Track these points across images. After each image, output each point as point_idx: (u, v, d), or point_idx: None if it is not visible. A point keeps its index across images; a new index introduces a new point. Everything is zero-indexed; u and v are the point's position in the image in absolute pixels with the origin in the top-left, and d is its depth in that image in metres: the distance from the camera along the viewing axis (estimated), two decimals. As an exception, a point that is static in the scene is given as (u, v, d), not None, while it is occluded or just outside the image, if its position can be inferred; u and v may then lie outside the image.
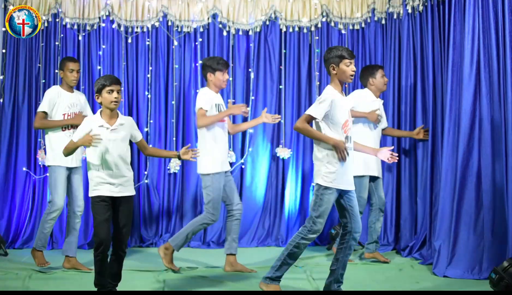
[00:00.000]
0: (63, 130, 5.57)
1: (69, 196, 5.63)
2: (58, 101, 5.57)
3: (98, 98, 4.23)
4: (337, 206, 4.40)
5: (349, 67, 4.33)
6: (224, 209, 5.89)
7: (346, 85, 6.50)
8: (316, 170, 4.33)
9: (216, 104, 5.42)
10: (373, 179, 5.91)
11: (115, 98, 4.21)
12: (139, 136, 4.43)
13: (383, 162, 6.09)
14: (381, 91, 6.00)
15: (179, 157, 4.55)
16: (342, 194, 4.33)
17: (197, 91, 6.51)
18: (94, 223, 4.20)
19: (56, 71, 6.68)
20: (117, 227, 4.25)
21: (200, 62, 6.83)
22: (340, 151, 4.23)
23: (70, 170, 5.58)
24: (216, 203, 5.35)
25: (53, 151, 5.52)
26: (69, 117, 5.57)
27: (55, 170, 5.52)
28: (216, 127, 5.39)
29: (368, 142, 5.48)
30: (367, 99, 5.88)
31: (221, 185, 5.38)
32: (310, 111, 4.33)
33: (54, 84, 6.67)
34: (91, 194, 4.21)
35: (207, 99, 5.38)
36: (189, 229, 5.40)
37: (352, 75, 4.37)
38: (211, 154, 5.35)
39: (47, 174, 6.56)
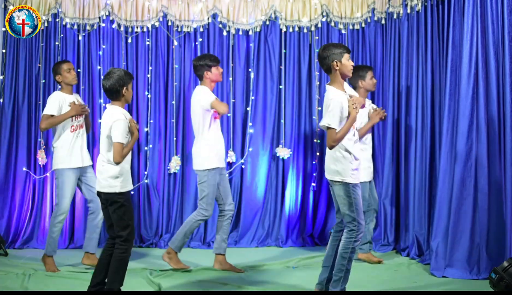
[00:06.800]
0: (72, 131, 5.57)
1: (90, 195, 5.61)
2: (63, 105, 5.56)
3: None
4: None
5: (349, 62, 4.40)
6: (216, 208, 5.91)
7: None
8: (341, 169, 4.26)
9: None
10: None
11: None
12: None
13: (375, 164, 6.30)
14: (369, 91, 6.07)
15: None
16: None
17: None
18: (127, 218, 4.21)
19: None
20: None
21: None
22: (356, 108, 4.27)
23: (80, 170, 5.59)
24: (210, 199, 5.45)
25: (63, 152, 5.51)
26: (76, 120, 5.59)
27: (63, 173, 5.50)
28: (213, 125, 5.53)
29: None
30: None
31: (216, 181, 5.48)
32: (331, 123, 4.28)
33: (54, 84, 6.69)
34: (126, 189, 4.24)
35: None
36: (186, 227, 5.49)
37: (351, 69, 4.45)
38: (210, 150, 5.46)
39: (47, 175, 6.61)
